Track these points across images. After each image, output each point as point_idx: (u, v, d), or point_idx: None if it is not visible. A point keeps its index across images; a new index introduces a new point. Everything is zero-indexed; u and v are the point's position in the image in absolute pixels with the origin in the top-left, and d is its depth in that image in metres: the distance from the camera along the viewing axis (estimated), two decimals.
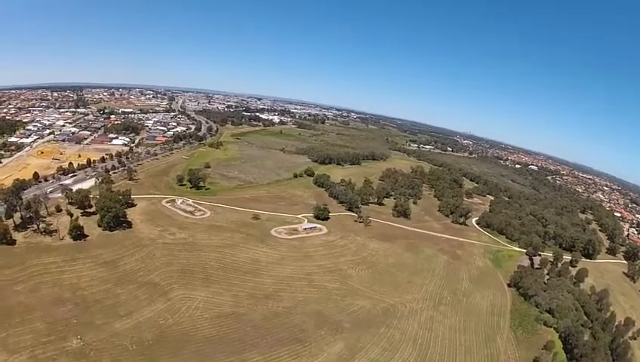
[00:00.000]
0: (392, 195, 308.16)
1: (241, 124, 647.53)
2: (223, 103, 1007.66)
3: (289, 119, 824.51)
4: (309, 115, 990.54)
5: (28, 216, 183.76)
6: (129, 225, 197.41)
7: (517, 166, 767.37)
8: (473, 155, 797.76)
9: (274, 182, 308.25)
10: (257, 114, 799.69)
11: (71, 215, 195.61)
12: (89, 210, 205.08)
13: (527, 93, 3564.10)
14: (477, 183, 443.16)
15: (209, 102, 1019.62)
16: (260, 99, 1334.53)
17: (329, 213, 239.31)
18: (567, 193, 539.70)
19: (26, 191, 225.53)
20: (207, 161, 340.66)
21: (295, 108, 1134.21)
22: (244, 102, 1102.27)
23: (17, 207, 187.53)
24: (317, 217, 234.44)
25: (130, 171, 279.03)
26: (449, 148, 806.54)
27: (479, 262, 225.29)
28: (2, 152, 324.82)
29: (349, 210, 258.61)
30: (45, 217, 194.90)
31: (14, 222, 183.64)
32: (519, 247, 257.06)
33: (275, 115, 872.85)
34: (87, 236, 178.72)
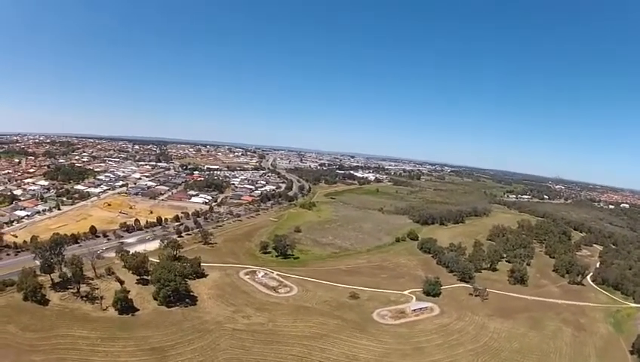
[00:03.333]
0: (504, 257, 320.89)
1: (335, 182, 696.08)
2: (316, 161, 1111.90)
3: (384, 176, 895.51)
4: (404, 171, 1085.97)
5: (69, 275, 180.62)
6: (193, 300, 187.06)
7: (610, 206, 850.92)
8: (569, 201, 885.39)
9: (374, 248, 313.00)
10: (352, 172, 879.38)
11: (121, 282, 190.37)
12: (146, 277, 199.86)
13: (606, 129, 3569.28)
14: (581, 232, 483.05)
15: (301, 160, 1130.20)
16: (353, 157, 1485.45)
17: (441, 286, 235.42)
18: None
19: (76, 246, 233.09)
20: (298, 223, 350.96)
21: (389, 165, 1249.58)
22: (337, 160, 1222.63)
23: (57, 264, 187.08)
24: (427, 293, 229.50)
25: (206, 234, 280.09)
26: (545, 196, 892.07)
27: (602, 328, 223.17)
28: (64, 199, 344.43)
29: (462, 280, 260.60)
30: (92, 279, 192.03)
31: (52, 279, 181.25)
32: (635, 302, 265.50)
33: (369, 172, 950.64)
34: (138, 310, 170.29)
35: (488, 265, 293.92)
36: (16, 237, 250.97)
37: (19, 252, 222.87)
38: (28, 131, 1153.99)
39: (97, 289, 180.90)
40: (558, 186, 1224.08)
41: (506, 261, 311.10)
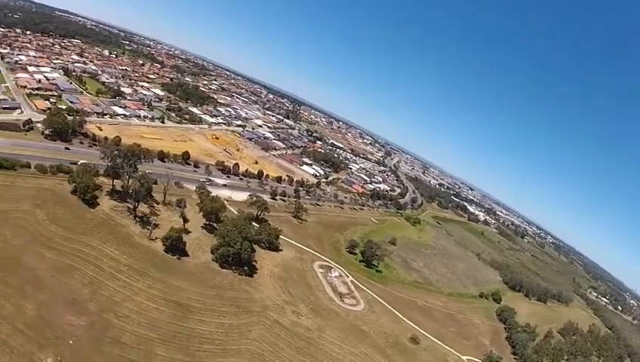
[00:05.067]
0: (565, 359, 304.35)
1: (447, 207, 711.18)
2: (437, 179, 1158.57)
3: (493, 221, 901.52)
4: (512, 223, 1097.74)
5: (133, 189, 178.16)
6: (251, 271, 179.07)
7: None
8: (635, 321, 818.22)
9: (456, 294, 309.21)
10: (465, 204, 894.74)
11: (185, 220, 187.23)
12: (215, 225, 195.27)
13: None
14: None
15: (423, 172, 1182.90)
16: (471, 189, 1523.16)
17: None
18: None
19: (160, 164, 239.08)
20: (396, 236, 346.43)
21: (500, 212, 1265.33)
22: (456, 186, 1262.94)
23: (125, 173, 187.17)
24: None
25: (300, 207, 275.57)
26: (619, 307, 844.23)
27: None
28: (172, 114, 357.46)
29: None
30: (157, 203, 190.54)
31: (113, 185, 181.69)
32: None
33: (481, 211, 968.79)
34: (187, 256, 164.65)
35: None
36: (101, 130, 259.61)
37: (94, 145, 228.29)
38: (165, 41, 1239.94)
39: (157, 215, 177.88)
40: (632, 301, 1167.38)
41: None
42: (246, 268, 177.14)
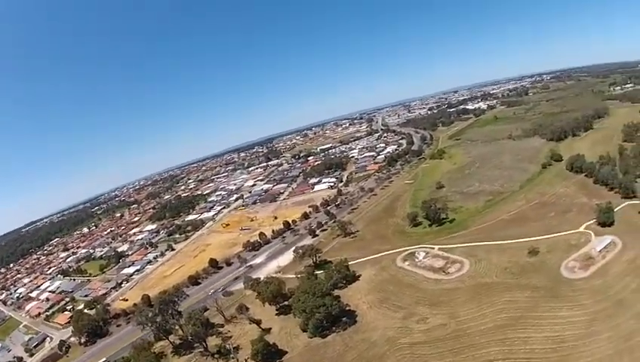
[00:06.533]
0: None
1: (452, 122, 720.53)
2: (424, 107, 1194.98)
3: (494, 101, 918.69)
4: (509, 90, 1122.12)
5: (190, 334, 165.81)
6: (352, 317, 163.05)
7: None
8: None
9: (525, 182, 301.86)
10: (463, 106, 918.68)
11: (257, 322, 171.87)
12: (288, 304, 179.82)
13: None
14: None
15: (409, 111, 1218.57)
16: (456, 92, 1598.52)
17: (613, 211, 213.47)
18: None
19: (197, 288, 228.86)
20: (437, 178, 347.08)
21: (493, 89, 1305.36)
22: (444, 100, 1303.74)
23: (173, 325, 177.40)
24: (602, 224, 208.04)
25: (343, 224, 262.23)
26: None
27: None
28: (176, 236, 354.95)
29: (625, 196, 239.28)
30: (222, 326, 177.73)
31: (172, 343, 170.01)
32: None
33: (478, 101, 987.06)
34: (286, 353, 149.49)
35: None
36: (127, 300, 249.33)
37: (130, 319, 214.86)
38: (126, 182, 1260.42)
39: (230, 337, 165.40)
40: None
41: None
42: (345, 318, 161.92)
